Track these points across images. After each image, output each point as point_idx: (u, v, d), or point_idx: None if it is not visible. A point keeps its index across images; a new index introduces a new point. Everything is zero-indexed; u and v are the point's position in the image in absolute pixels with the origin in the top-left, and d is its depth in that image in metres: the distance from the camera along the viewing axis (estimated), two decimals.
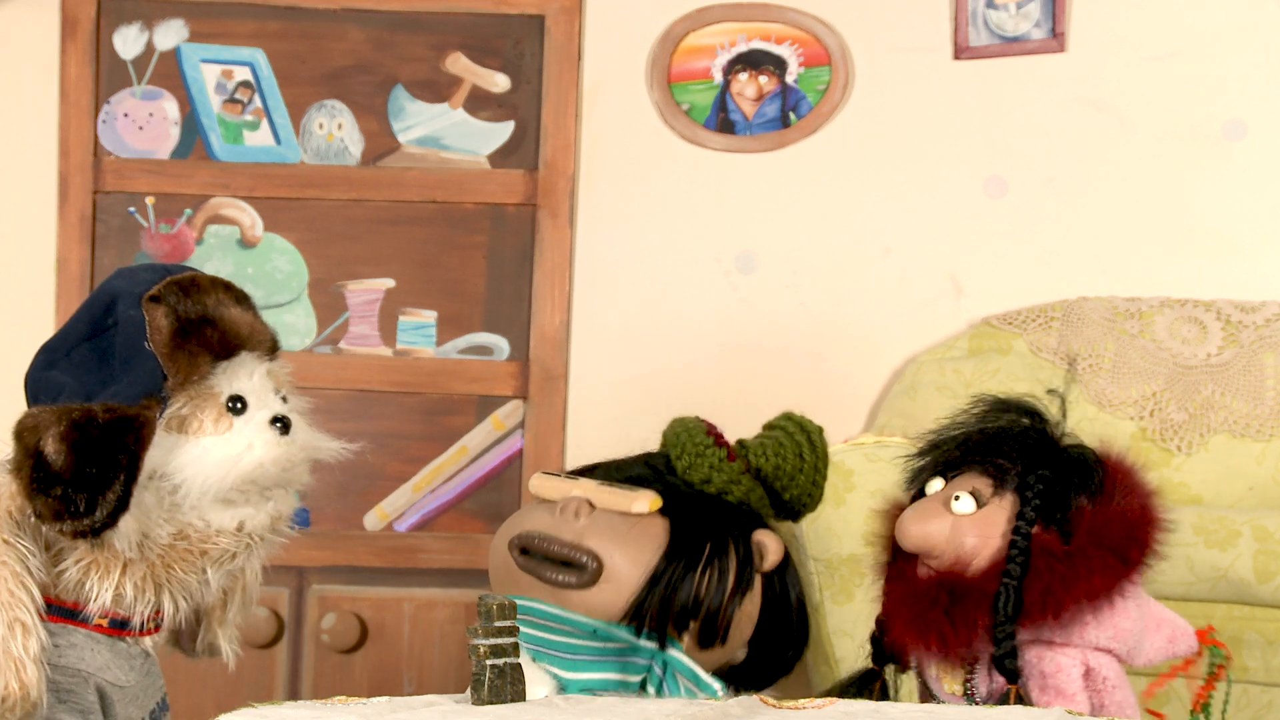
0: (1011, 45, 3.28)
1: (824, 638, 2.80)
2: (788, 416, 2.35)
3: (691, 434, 2.29)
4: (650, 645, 2.18)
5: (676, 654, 2.18)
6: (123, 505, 1.91)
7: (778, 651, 2.30)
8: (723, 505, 2.26)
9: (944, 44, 3.30)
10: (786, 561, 2.29)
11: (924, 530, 2.03)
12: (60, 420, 1.90)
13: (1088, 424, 3.04)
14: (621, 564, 2.16)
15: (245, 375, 2.02)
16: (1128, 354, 3.11)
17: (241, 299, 2.05)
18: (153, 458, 1.96)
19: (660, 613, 2.17)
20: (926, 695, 2.13)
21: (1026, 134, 3.29)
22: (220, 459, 1.99)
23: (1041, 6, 3.26)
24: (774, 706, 1.94)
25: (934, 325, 3.28)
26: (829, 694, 2.19)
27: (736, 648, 2.26)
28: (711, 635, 2.20)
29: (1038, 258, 3.28)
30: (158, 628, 2.09)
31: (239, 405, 2.01)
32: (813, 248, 3.32)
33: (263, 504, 2.05)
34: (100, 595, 2.00)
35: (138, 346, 1.96)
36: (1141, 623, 2.05)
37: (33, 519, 1.94)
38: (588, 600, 2.17)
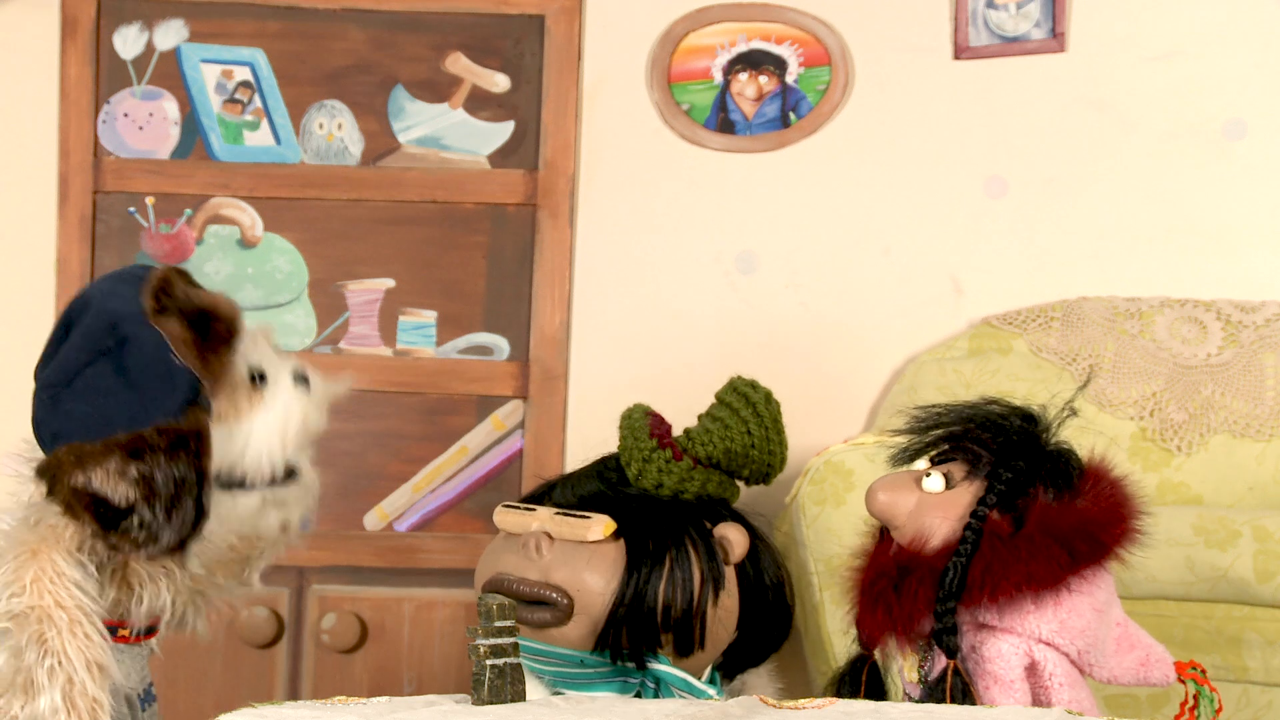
0: (1011, 45, 3.28)
1: (824, 637, 2.80)
2: (732, 388, 2.32)
3: (636, 437, 2.28)
4: (630, 667, 2.18)
5: (663, 668, 2.18)
6: (202, 515, 1.92)
7: (762, 634, 2.30)
8: (680, 508, 2.25)
9: (944, 44, 3.30)
10: (757, 546, 2.29)
11: (891, 499, 2.06)
12: (109, 454, 1.90)
13: (1088, 424, 3.04)
14: (591, 595, 2.17)
15: (251, 348, 2.05)
16: (1128, 354, 3.11)
17: (193, 280, 2.08)
18: (215, 458, 1.97)
19: (630, 633, 2.17)
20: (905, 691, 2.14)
21: (1026, 134, 3.29)
22: (269, 431, 2.02)
23: (1041, 6, 3.26)
24: (774, 706, 1.94)
25: (934, 325, 3.28)
26: (826, 683, 2.20)
27: (722, 646, 2.26)
28: (688, 643, 2.20)
29: (1038, 258, 3.28)
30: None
31: (261, 378, 2.04)
32: (813, 248, 3.32)
33: (302, 498, 2.08)
34: (145, 609, 2.01)
35: (165, 361, 1.96)
36: (1100, 630, 2.05)
37: (107, 553, 1.94)
38: (567, 635, 2.18)
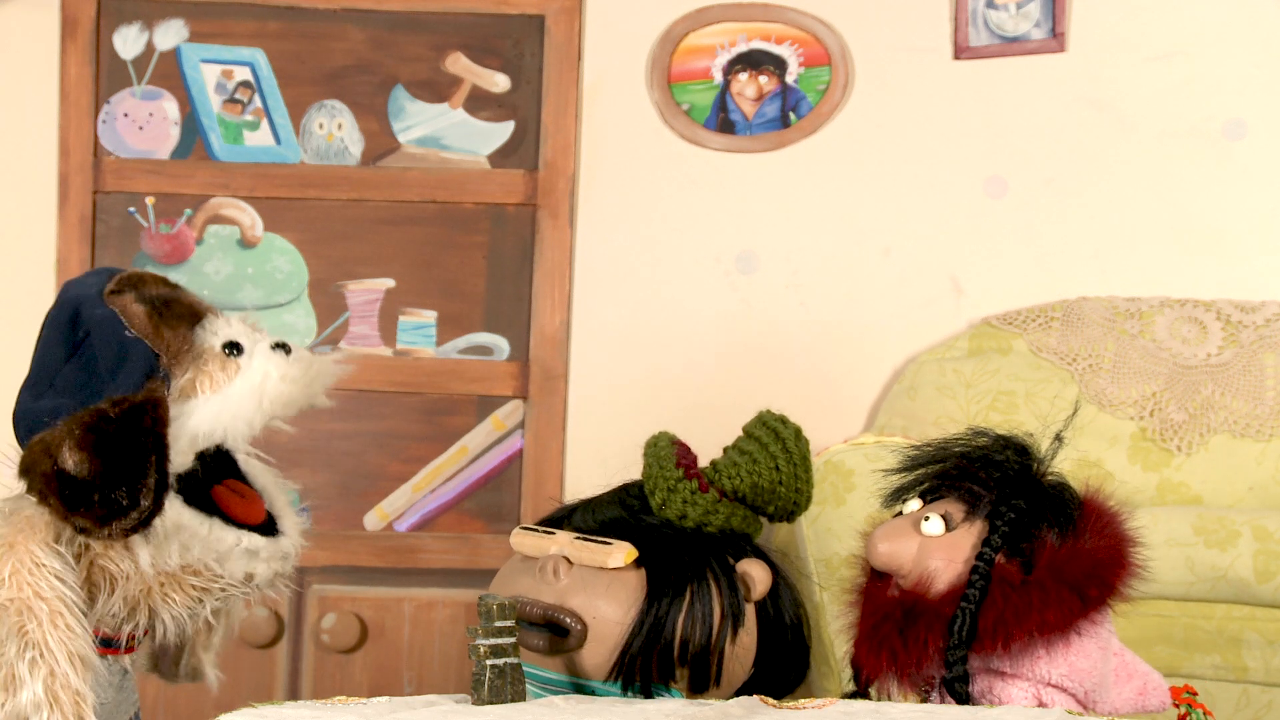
0: (1011, 45, 3.28)
1: (824, 638, 2.80)
2: (761, 422, 2.28)
3: (662, 466, 2.24)
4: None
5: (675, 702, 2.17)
6: (164, 485, 1.92)
7: (778, 674, 2.28)
8: (703, 540, 2.22)
9: (944, 44, 3.30)
10: (778, 584, 2.26)
11: (891, 549, 2.03)
12: (71, 432, 1.90)
13: (1088, 424, 3.05)
14: (607, 623, 2.15)
15: (225, 326, 2.05)
16: (1128, 354, 3.11)
17: (176, 285, 2.09)
18: (187, 427, 1.97)
19: (645, 665, 2.15)
20: None
21: (1026, 134, 3.29)
22: (244, 393, 2.02)
23: (1041, 6, 3.26)
24: (774, 706, 1.94)
25: (934, 325, 3.28)
26: None
27: (737, 684, 2.24)
28: (704, 679, 2.17)
29: (1038, 258, 3.28)
30: (137, 645, 2.09)
31: (236, 349, 2.03)
32: (813, 248, 3.32)
33: (274, 558, 2.06)
34: (98, 609, 2.00)
35: (119, 338, 1.98)
36: (1105, 666, 2.03)
37: (78, 537, 1.94)
38: (577, 662, 2.15)
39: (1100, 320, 3.15)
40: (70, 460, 1.89)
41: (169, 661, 2.20)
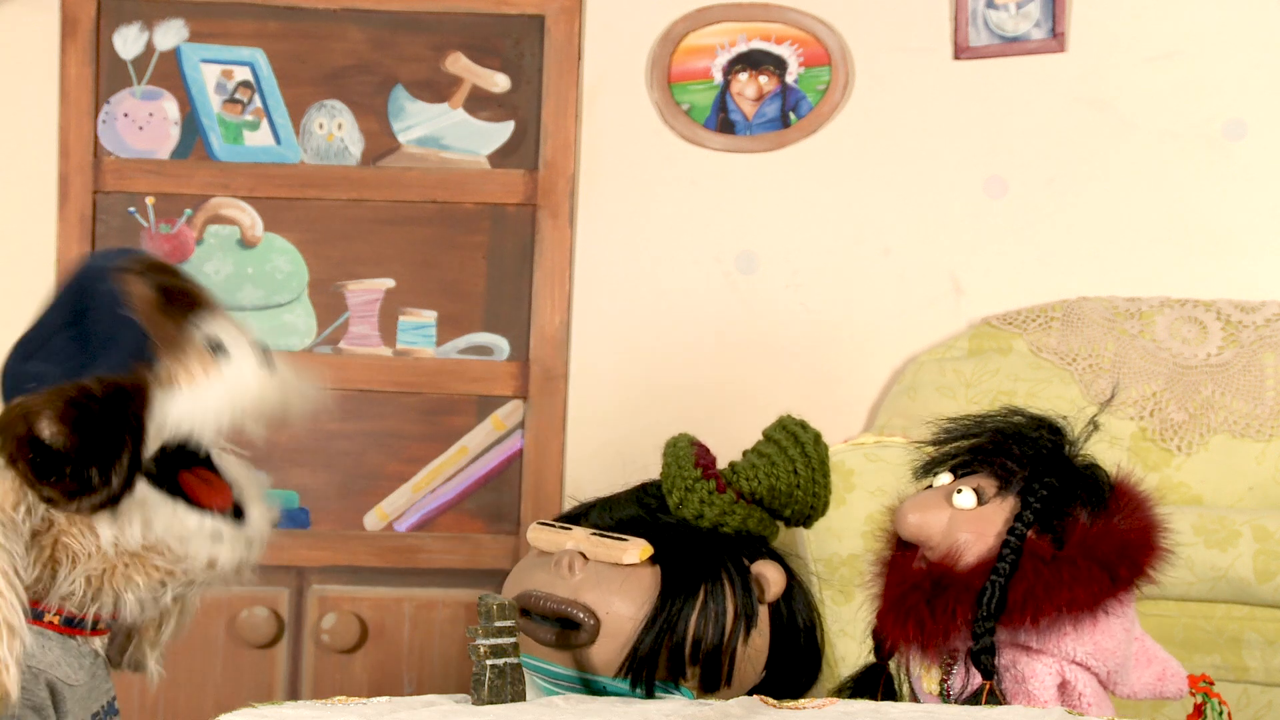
0: (1011, 45, 3.28)
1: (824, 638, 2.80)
2: (781, 425, 2.29)
3: (681, 465, 2.25)
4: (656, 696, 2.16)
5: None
6: (135, 468, 1.92)
7: (789, 676, 2.28)
8: (719, 540, 2.23)
9: (944, 44, 3.30)
10: (793, 587, 2.26)
11: (921, 519, 2.03)
12: (53, 402, 1.90)
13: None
14: (620, 619, 2.15)
15: (215, 324, 2.05)
16: (1128, 354, 3.11)
17: (188, 276, 2.09)
18: (158, 417, 1.97)
19: (655, 662, 2.15)
20: (913, 698, 2.12)
21: (1026, 134, 3.29)
22: (220, 394, 2.01)
23: (1041, 6, 3.26)
24: (774, 706, 1.94)
25: (934, 325, 3.28)
26: (834, 690, 2.19)
27: (748, 685, 2.24)
28: (715, 679, 2.18)
29: (1038, 258, 3.28)
30: (108, 628, 2.09)
31: (219, 347, 2.04)
32: (813, 248, 3.32)
33: (238, 544, 2.05)
34: (57, 586, 2.00)
35: (116, 316, 1.98)
36: (1128, 649, 2.04)
37: (41, 508, 1.94)
38: (589, 657, 2.16)
39: (1100, 320, 3.15)
40: (47, 430, 1.89)
41: (115, 649, 2.20)
